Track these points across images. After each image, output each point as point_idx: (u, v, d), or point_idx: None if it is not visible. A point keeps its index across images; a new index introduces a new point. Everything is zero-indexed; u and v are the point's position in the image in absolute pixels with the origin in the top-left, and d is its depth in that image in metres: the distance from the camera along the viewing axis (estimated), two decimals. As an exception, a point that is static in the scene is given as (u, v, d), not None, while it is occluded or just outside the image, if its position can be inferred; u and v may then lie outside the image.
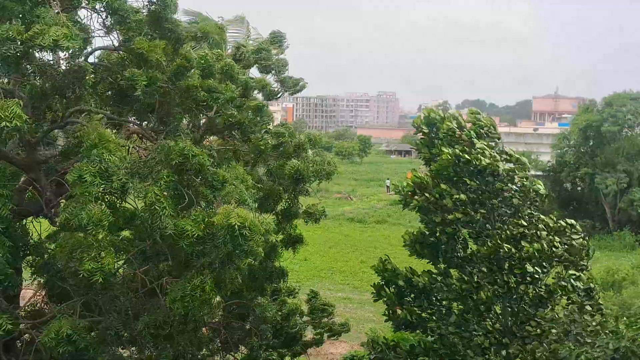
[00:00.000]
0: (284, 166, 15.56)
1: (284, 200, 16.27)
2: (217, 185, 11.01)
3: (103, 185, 9.65)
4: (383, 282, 17.02)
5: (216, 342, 16.80)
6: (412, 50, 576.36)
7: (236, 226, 9.87)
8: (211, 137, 16.22)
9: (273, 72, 19.12)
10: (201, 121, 14.30)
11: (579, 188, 65.23)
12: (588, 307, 15.80)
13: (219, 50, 14.57)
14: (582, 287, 16.25)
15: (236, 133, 14.80)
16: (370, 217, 66.78)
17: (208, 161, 10.91)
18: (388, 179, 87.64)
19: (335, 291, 40.13)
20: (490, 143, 16.80)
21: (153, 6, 11.98)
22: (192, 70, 12.30)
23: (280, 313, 17.06)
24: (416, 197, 16.28)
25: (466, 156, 15.77)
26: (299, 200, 16.88)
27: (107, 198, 10.03)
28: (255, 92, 17.75)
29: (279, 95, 21.50)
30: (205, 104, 12.56)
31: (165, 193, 10.30)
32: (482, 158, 15.72)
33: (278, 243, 16.67)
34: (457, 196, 15.71)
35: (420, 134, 17.29)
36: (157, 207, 10.06)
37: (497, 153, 16.48)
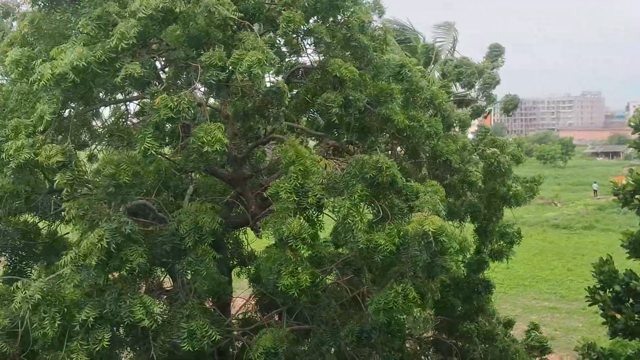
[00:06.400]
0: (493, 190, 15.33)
1: (481, 217, 15.87)
2: (411, 196, 10.97)
3: (297, 201, 9.97)
4: (599, 286, 16.10)
5: (420, 357, 16.74)
6: (617, 48, 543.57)
7: (430, 233, 9.79)
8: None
9: (478, 86, 18.82)
10: (398, 148, 14.19)
11: None
12: None
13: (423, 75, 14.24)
14: None
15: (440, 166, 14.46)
16: (576, 223, 63.39)
17: (399, 174, 10.90)
18: (595, 183, 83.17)
19: (541, 300, 38.69)
20: None
21: (341, 28, 12.15)
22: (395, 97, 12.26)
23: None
24: (638, 195, 15.26)
25: None
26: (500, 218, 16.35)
27: (305, 212, 10.31)
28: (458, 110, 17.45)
29: (486, 114, 21.06)
30: (405, 133, 12.51)
31: (360, 207, 10.45)
32: None
33: (484, 256, 16.27)
34: None
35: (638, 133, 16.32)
36: (349, 221, 10.23)
37: None
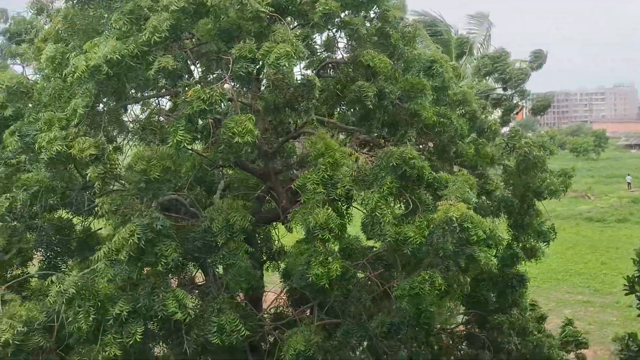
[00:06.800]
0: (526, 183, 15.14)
1: (515, 211, 15.68)
2: (440, 186, 10.88)
3: (325, 193, 9.91)
4: (638, 275, 15.86)
5: (453, 351, 16.63)
6: (635, 47, 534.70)
7: (454, 219, 9.68)
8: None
9: (510, 83, 18.65)
10: (429, 144, 14.14)
11: None
12: None
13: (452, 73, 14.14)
14: None
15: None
16: (610, 216, 62.43)
17: (427, 165, 10.82)
18: (629, 175, 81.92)
19: (574, 294, 38.28)
20: None
21: (373, 21, 12.14)
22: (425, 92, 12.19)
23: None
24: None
25: None
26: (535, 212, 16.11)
27: (334, 204, 10.24)
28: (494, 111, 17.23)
29: (520, 109, 20.77)
30: (435, 129, 12.44)
31: (389, 199, 10.38)
32: None
33: (518, 250, 16.09)
34: None
35: None
36: (378, 214, 10.17)
37: None
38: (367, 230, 10.58)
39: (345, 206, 10.73)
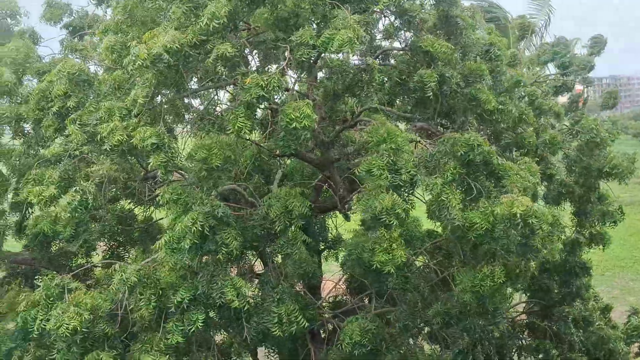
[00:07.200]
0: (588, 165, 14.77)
1: (577, 196, 15.33)
2: (504, 174, 10.70)
3: (391, 178, 9.83)
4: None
5: (516, 339, 16.43)
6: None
7: (518, 214, 9.52)
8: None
9: (571, 69, 18.32)
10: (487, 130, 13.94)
11: None
12: None
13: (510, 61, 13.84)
14: None
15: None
16: (677, 203, 60.77)
17: (494, 152, 10.65)
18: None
19: (638, 281, 37.53)
20: None
21: (440, 5, 12.01)
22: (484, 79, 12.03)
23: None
24: None
25: None
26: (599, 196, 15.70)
27: (397, 190, 10.14)
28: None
29: (583, 100, 20.42)
30: (494, 116, 12.27)
31: (452, 185, 10.26)
32: None
33: (581, 237, 15.73)
34: None
35: None
36: (443, 199, 10.06)
37: None
38: (434, 215, 10.50)
39: (407, 193, 10.62)
